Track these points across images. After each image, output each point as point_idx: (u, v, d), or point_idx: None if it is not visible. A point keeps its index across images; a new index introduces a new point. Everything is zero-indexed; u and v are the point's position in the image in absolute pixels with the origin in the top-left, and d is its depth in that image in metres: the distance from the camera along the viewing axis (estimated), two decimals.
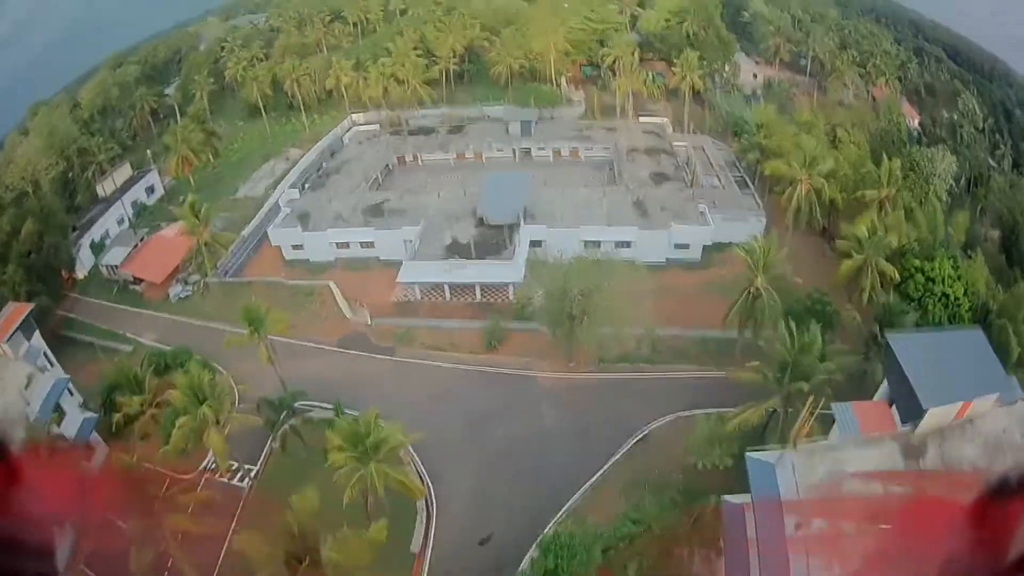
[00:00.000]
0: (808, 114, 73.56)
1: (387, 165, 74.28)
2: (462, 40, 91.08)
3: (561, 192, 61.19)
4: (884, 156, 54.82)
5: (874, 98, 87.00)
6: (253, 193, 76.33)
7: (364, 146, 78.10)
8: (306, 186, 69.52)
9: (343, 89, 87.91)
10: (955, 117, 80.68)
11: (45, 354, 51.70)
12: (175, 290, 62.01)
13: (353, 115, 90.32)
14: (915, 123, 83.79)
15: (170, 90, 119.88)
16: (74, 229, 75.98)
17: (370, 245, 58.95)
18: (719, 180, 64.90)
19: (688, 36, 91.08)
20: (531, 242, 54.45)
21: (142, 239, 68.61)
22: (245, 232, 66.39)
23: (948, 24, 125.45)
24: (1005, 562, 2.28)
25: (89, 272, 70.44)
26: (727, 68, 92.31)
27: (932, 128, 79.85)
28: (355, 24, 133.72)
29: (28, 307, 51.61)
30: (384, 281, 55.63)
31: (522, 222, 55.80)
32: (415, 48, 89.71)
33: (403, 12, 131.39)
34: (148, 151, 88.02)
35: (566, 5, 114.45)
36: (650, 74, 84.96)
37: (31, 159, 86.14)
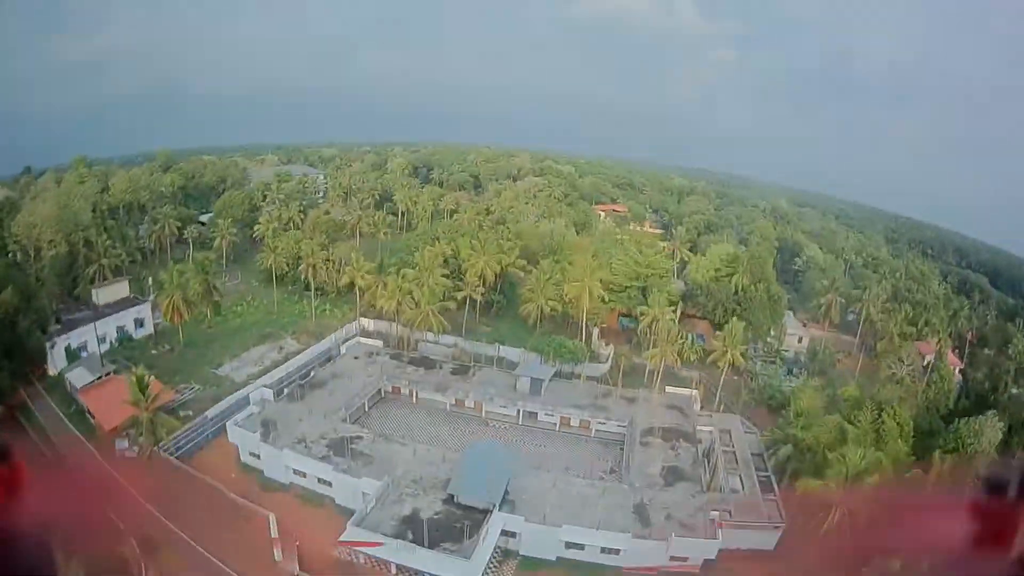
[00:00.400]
0: (854, 388, 73.32)
1: (379, 391, 76.13)
2: (495, 265, 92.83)
3: (553, 482, 58.56)
4: (931, 445, 56.60)
5: (922, 354, 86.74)
6: (236, 375, 77.89)
7: (359, 362, 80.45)
8: (284, 391, 70.38)
9: (358, 290, 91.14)
10: (1003, 364, 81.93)
11: None
12: (121, 444, 61.16)
13: (363, 319, 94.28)
14: (957, 371, 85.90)
15: (206, 218, 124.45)
16: (58, 321, 78.11)
17: (327, 483, 58.19)
18: (741, 481, 61.61)
19: (737, 291, 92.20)
20: (503, 531, 52.53)
21: (108, 374, 69.17)
22: (209, 413, 67.44)
23: (988, 239, 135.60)
24: (1006, 561, 2.35)
25: (59, 372, 71.66)
26: (772, 332, 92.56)
27: (978, 381, 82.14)
28: (401, 214, 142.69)
29: None
30: (333, 527, 53.71)
31: (496, 509, 53.92)
32: (444, 262, 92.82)
33: (452, 213, 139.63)
34: (150, 279, 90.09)
35: (619, 236, 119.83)
36: (690, 336, 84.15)
37: (41, 222, 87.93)
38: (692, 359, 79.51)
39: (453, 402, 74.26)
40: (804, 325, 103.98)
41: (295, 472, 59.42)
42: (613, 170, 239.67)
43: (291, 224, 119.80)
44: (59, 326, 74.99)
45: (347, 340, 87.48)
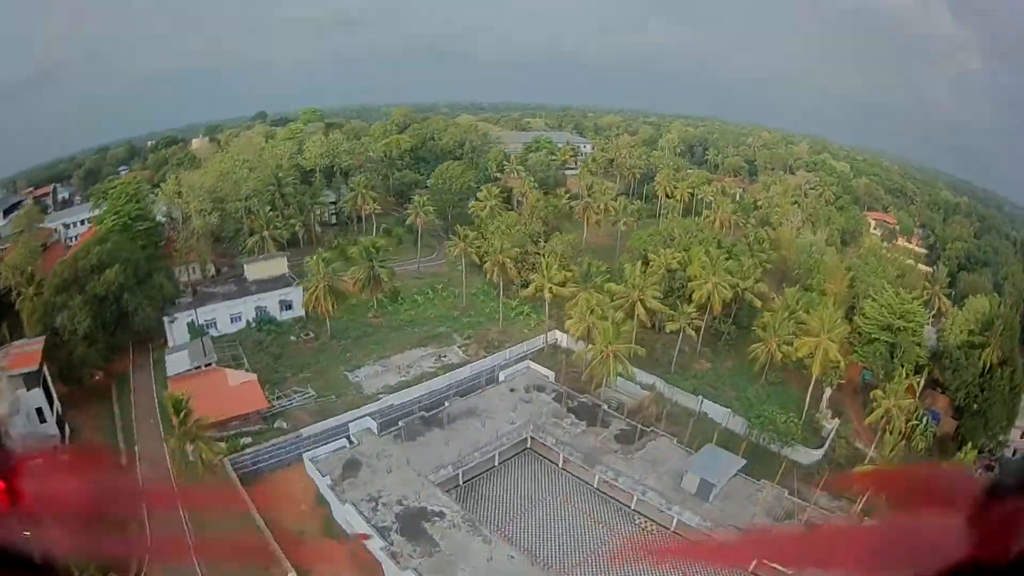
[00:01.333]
0: None
1: (525, 440, 65.72)
2: (725, 291, 77.38)
3: None
4: None
5: None
6: (368, 385, 72.84)
7: (513, 398, 70.53)
8: (401, 424, 63.99)
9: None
10: None
11: (39, 411, 56.71)
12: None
13: (558, 333, 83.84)
14: None
15: None
16: (194, 292, 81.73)
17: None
18: None
19: (984, 370, 79.48)
20: None
21: (208, 364, 68.60)
22: (303, 432, 62.75)
23: None
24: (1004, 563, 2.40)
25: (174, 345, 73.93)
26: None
27: None
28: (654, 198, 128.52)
29: (37, 354, 58.13)
30: None
31: None
32: (668, 274, 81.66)
33: (708, 205, 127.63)
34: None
35: (883, 251, 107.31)
36: (925, 418, 68.16)
37: (201, 183, 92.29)
38: (921, 447, 65.95)
39: (599, 480, 61.07)
40: None
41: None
42: (889, 173, 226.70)
43: (516, 202, 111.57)
44: (191, 299, 77.83)
45: (516, 362, 78.02)
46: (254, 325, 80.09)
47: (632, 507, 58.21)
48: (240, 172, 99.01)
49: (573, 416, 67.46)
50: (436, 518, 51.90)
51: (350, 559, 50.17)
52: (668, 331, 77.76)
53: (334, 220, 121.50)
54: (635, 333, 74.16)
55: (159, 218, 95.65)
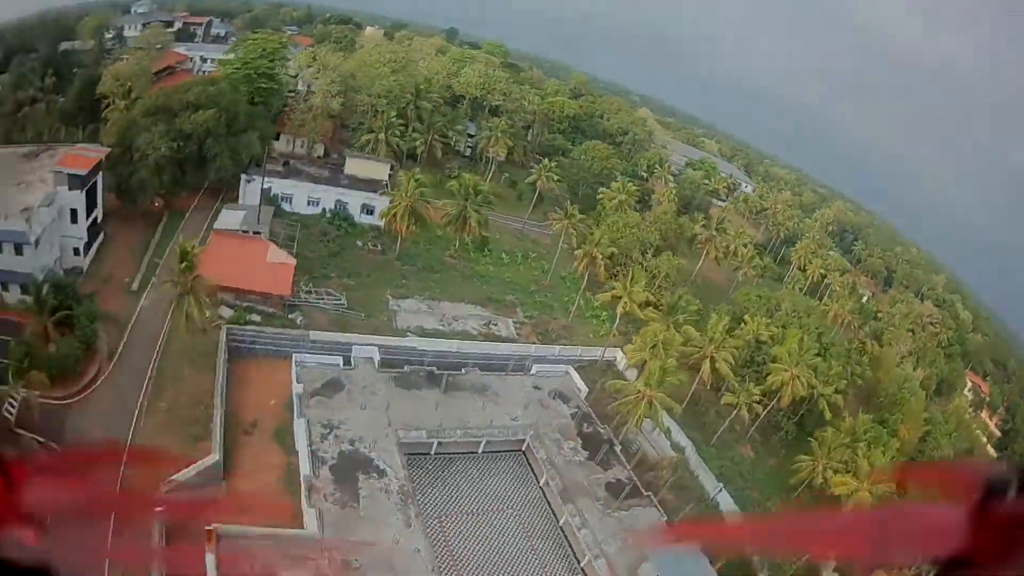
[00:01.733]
0: None
1: (520, 442, 60.49)
2: (802, 388, 68.44)
3: None
4: None
5: None
6: (402, 319, 69.67)
7: (532, 396, 64.67)
8: (404, 369, 61.00)
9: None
10: None
11: (74, 212, 57.53)
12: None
13: (619, 352, 76.52)
14: None
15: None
16: (285, 164, 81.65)
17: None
18: None
19: None
20: None
21: (256, 233, 66.59)
22: (312, 334, 60.36)
23: None
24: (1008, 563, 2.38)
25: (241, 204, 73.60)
26: None
27: None
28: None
29: (91, 161, 59.33)
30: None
31: None
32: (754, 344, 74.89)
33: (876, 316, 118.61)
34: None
35: None
36: None
37: (345, 66, 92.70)
38: None
39: (565, 520, 54.07)
40: None
41: None
42: (998, 339, 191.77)
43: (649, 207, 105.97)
44: (279, 169, 77.64)
45: (557, 363, 71.27)
46: (328, 216, 78.43)
47: (581, 566, 50.72)
48: (381, 69, 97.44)
49: (579, 442, 60.76)
50: (375, 475, 47.69)
51: (282, 472, 46.64)
52: (723, 402, 69.71)
53: (469, 153, 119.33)
54: (692, 389, 67.86)
55: (289, 83, 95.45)
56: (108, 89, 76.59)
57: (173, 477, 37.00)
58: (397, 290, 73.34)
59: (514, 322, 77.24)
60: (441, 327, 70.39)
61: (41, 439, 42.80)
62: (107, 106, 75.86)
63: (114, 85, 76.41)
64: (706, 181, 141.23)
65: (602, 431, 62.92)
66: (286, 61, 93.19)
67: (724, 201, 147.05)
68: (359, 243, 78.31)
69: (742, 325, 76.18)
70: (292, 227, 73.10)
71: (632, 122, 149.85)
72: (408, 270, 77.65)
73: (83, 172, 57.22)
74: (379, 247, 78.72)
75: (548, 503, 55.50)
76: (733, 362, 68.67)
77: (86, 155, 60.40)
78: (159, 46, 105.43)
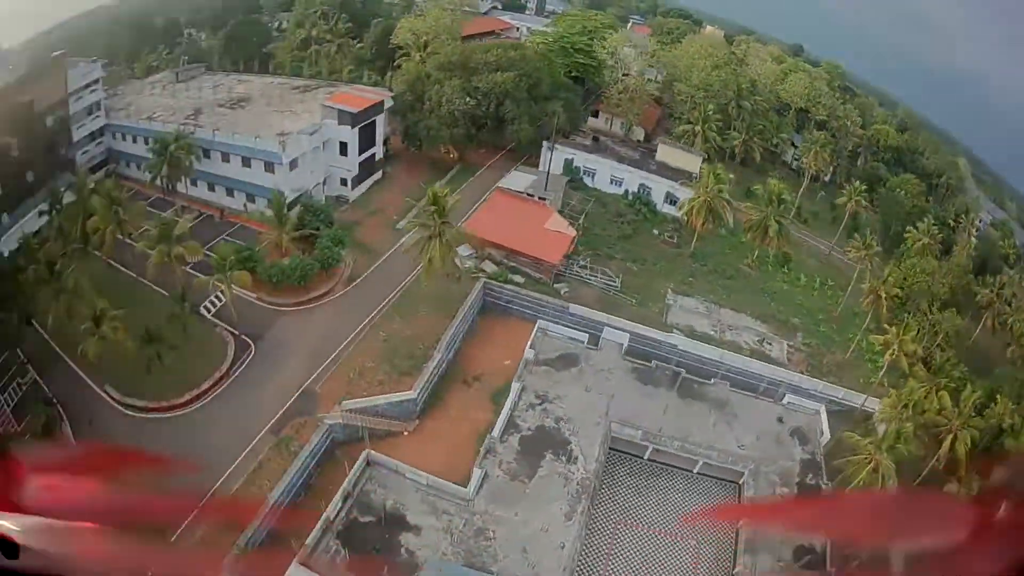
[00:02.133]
0: None
1: (740, 474, 55.55)
2: (964, 445, 56.78)
3: None
4: None
5: None
6: (673, 315, 67.83)
7: (771, 428, 58.57)
8: (653, 364, 59.95)
9: None
10: None
11: (344, 145, 63.86)
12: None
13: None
14: None
15: None
16: (595, 139, 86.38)
17: None
18: None
19: None
20: None
21: (544, 200, 69.87)
22: (571, 307, 60.95)
23: None
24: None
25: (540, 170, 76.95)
26: None
27: None
28: None
29: (365, 101, 64.47)
30: None
31: None
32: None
33: None
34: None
35: None
36: None
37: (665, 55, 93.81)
38: None
39: None
40: None
41: None
42: None
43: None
44: (588, 143, 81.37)
45: (812, 399, 63.21)
46: (629, 199, 78.93)
47: None
48: (700, 62, 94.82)
49: (795, 492, 53.35)
50: (563, 459, 47.54)
51: (482, 428, 48.41)
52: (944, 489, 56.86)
53: (795, 166, 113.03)
54: (929, 465, 56.96)
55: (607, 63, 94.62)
56: (402, 40, 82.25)
57: None
58: (680, 286, 71.70)
59: (789, 345, 70.70)
60: (712, 332, 67.31)
61: (235, 331, 49.01)
62: (402, 55, 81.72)
63: (409, 37, 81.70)
64: (1000, 243, 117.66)
65: (824, 487, 55.56)
66: (607, 45, 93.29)
67: (1012, 269, 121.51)
68: (655, 231, 77.79)
69: (992, 405, 61.82)
70: (587, 201, 74.79)
71: (947, 164, 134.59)
72: (698, 269, 75.46)
73: (355, 110, 62.47)
74: (674, 239, 77.43)
75: (734, 547, 50.38)
76: (970, 444, 56.24)
77: (363, 95, 66.22)
78: (466, 7, 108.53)
